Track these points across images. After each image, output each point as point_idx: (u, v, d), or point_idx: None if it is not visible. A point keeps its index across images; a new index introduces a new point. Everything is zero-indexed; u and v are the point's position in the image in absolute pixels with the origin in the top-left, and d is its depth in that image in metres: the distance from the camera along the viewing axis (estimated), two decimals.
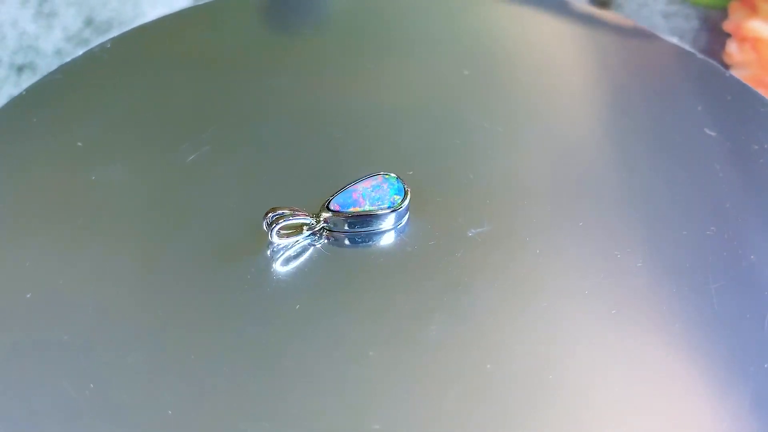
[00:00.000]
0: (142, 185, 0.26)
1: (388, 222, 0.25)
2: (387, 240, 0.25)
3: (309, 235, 0.24)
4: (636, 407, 0.22)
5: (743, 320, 0.23)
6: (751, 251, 0.25)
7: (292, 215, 0.24)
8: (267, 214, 0.24)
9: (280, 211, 0.24)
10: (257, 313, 0.23)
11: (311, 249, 0.24)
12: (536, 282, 0.24)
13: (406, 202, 0.25)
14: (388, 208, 0.24)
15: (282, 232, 0.24)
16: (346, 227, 0.25)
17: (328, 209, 0.24)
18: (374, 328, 0.23)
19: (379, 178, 0.25)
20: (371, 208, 0.24)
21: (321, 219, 0.24)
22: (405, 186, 0.25)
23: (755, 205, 0.26)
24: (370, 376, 0.22)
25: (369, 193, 0.25)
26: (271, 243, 0.24)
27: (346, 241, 0.25)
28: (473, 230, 0.25)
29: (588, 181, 0.27)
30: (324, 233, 0.25)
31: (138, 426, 0.21)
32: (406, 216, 0.25)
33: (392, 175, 0.25)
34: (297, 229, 0.24)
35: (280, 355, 0.22)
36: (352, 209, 0.24)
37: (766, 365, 0.22)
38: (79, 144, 0.27)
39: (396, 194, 0.25)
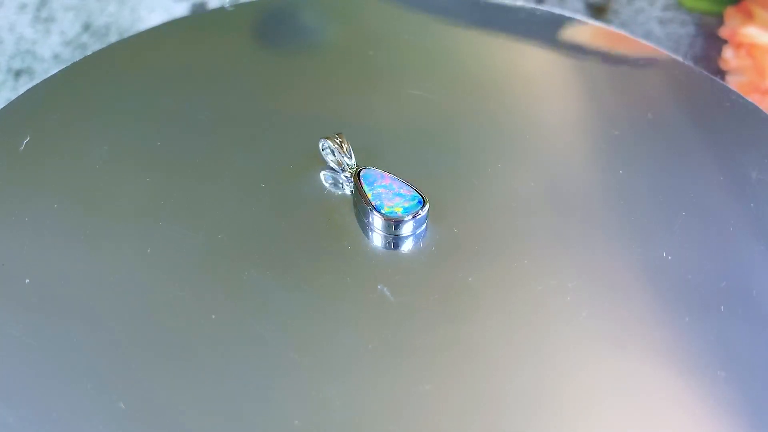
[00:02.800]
0: (138, 189, 0.26)
1: (379, 224, 0.25)
2: (391, 238, 0.25)
3: (340, 175, 0.26)
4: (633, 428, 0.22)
5: (743, 343, 0.23)
6: (748, 269, 0.25)
7: (343, 144, 0.26)
8: (338, 135, 0.26)
9: (339, 139, 0.26)
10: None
11: (332, 197, 0.26)
12: (535, 299, 0.24)
13: (420, 212, 0.25)
14: (377, 209, 0.25)
15: (330, 154, 0.26)
16: (362, 200, 0.25)
17: (358, 172, 0.25)
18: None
19: (411, 193, 0.25)
20: (371, 197, 0.25)
21: (351, 171, 0.26)
22: (419, 210, 0.25)
23: (756, 225, 0.26)
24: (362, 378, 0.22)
25: (389, 191, 0.25)
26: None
27: (362, 213, 0.25)
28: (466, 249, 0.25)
29: (586, 198, 0.27)
30: (351, 189, 0.26)
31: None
32: (423, 226, 0.25)
33: (422, 198, 0.25)
34: (339, 165, 0.26)
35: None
36: (364, 187, 0.25)
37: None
38: (75, 145, 0.27)
39: (400, 212, 0.25)
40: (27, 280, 0.24)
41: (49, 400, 0.22)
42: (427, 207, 0.25)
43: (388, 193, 0.25)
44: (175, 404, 0.22)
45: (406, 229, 0.25)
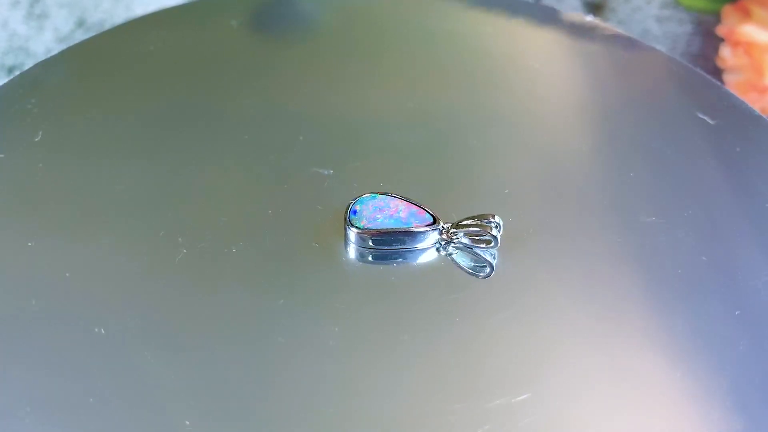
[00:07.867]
0: (129, 182, 0.26)
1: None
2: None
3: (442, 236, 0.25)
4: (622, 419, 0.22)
5: (730, 330, 0.23)
6: (737, 262, 0.25)
7: (485, 229, 0.24)
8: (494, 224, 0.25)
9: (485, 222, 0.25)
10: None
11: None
12: (527, 292, 0.24)
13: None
14: (354, 202, 0.25)
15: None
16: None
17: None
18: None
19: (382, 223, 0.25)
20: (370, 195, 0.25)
21: (449, 241, 0.25)
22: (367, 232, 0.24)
23: (746, 217, 0.26)
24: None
25: (387, 207, 0.25)
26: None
27: None
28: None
29: (578, 190, 0.26)
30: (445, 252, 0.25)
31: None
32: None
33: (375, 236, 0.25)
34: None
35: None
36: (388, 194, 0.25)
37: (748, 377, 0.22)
38: (65, 138, 0.27)
39: (352, 208, 0.25)
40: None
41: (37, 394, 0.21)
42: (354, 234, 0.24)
43: (385, 205, 0.25)
44: (165, 400, 0.21)
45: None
